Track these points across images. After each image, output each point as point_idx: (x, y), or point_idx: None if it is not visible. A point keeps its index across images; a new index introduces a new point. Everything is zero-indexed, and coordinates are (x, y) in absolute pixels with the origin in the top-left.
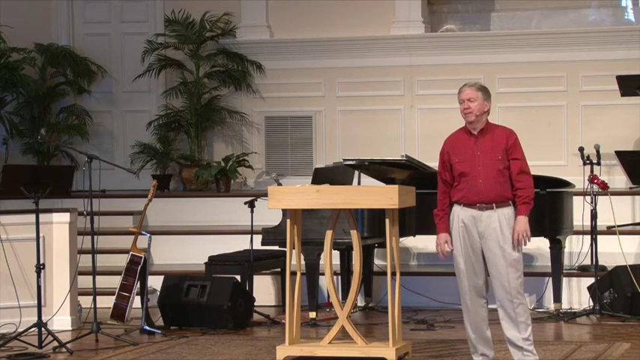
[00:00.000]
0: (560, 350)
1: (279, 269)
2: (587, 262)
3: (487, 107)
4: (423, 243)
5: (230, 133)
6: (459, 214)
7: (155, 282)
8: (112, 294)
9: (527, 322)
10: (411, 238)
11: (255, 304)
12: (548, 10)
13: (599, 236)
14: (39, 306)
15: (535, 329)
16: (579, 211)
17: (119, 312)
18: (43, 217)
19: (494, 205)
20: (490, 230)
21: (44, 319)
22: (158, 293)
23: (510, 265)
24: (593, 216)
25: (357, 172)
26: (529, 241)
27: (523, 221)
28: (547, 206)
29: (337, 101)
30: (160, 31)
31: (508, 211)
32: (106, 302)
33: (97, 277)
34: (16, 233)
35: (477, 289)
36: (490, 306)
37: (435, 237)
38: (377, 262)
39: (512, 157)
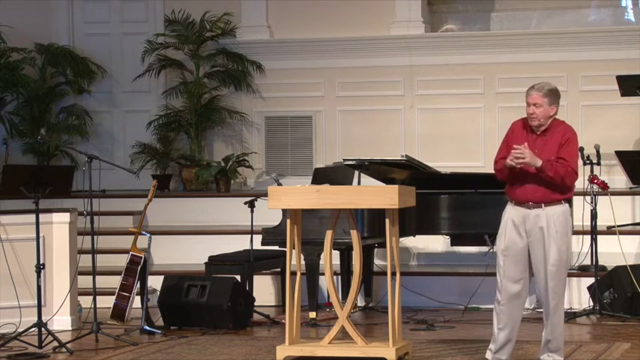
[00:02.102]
0: None
1: (279, 269)
2: (587, 262)
3: (554, 111)
4: (423, 243)
5: (230, 133)
6: (510, 211)
7: (155, 282)
8: (112, 294)
9: (559, 325)
10: (411, 238)
11: (255, 304)
12: (548, 10)
13: (599, 236)
14: (39, 306)
15: (535, 329)
16: (579, 211)
17: (119, 312)
18: (43, 217)
19: (542, 204)
20: (537, 229)
21: (44, 319)
22: (158, 293)
23: (552, 266)
24: (593, 216)
25: (357, 172)
26: (520, 157)
27: (533, 156)
28: None
29: (337, 101)
30: (160, 31)
31: (557, 210)
32: (106, 302)
33: (97, 277)
34: (16, 233)
35: (511, 288)
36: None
37: (435, 237)
38: (377, 262)
39: (560, 157)
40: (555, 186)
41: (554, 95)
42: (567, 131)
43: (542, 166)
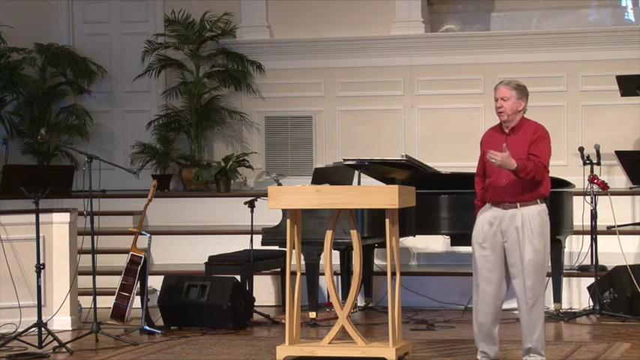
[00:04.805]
0: (560, 350)
1: (279, 269)
2: (587, 262)
3: (522, 106)
4: (423, 243)
5: (230, 133)
6: (486, 212)
7: (155, 282)
8: (112, 294)
9: (537, 325)
10: (411, 238)
11: (255, 304)
12: (548, 10)
13: (599, 236)
14: (39, 306)
15: None
16: (579, 211)
17: (119, 312)
18: (43, 217)
19: (518, 204)
20: (512, 229)
21: (44, 319)
22: (158, 293)
23: (529, 266)
24: (593, 216)
25: (357, 172)
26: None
27: (508, 156)
28: (547, 206)
29: (337, 101)
30: (160, 31)
31: (534, 210)
32: (106, 302)
33: (97, 277)
34: (16, 233)
35: (488, 286)
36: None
37: (435, 237)
38: (377, 262)
39: (531, 153)
40: (529, 184)
41: (522, 90)
42: (538, 129)
43: (517, 167)
